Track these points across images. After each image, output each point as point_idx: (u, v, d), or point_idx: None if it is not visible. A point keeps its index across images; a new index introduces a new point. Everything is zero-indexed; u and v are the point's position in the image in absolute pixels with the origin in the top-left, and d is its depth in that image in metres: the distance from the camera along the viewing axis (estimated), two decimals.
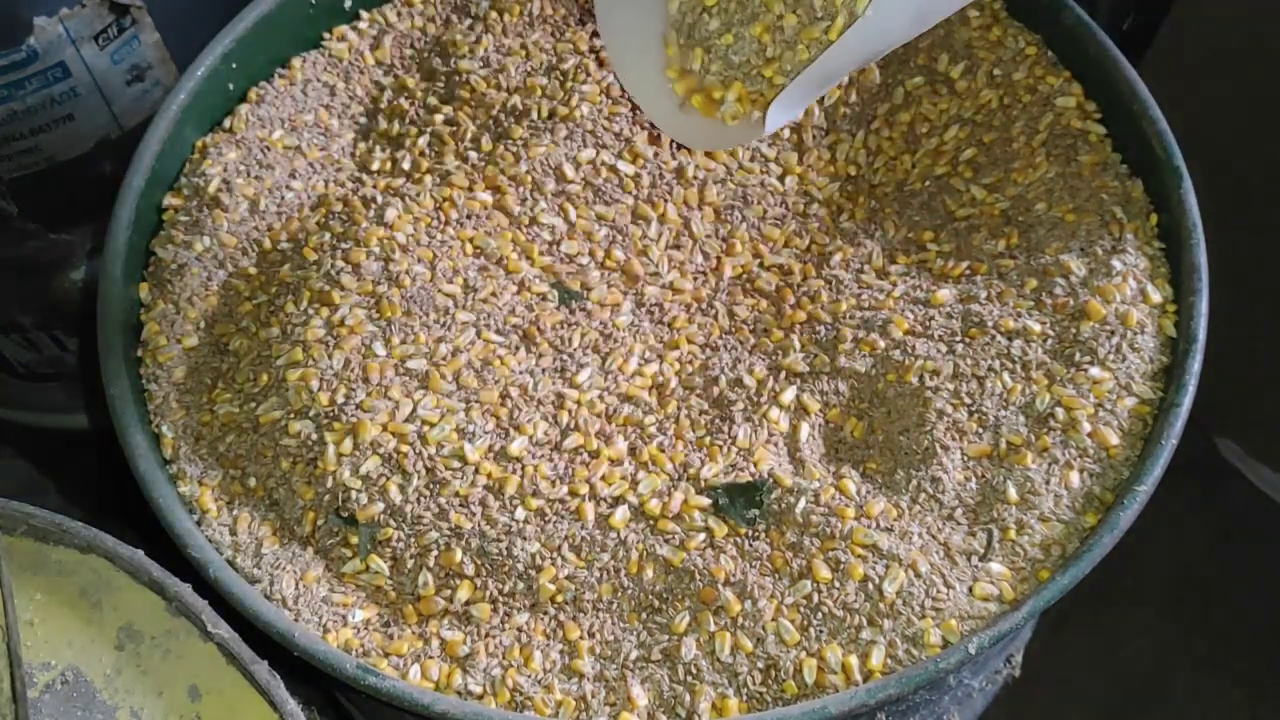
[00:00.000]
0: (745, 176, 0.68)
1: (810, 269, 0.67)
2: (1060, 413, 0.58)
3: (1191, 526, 1.06)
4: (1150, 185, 0.65)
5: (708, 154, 0.67)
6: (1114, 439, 0.58)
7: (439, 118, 0.70)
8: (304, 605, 0.56)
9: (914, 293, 0.64)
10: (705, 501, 0.57)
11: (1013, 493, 0.57)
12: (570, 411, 0.60)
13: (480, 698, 0.54)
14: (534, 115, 0.68)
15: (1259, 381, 1.00)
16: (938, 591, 0.54)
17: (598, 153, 0.67)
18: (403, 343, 0.62)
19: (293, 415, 0.60)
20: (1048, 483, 0.57)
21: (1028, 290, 0.63)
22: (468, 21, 0.75)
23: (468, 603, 0.56)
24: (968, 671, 0.63)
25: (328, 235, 0.65)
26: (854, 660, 0.53)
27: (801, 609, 0.54)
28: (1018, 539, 0.56)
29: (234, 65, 0.72)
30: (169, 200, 0.69)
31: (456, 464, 0.58)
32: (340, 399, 0.59)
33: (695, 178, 0.67)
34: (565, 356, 0.63)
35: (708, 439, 0.60)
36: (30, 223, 0.82)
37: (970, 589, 0.55)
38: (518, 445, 0.58)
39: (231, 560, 0.58)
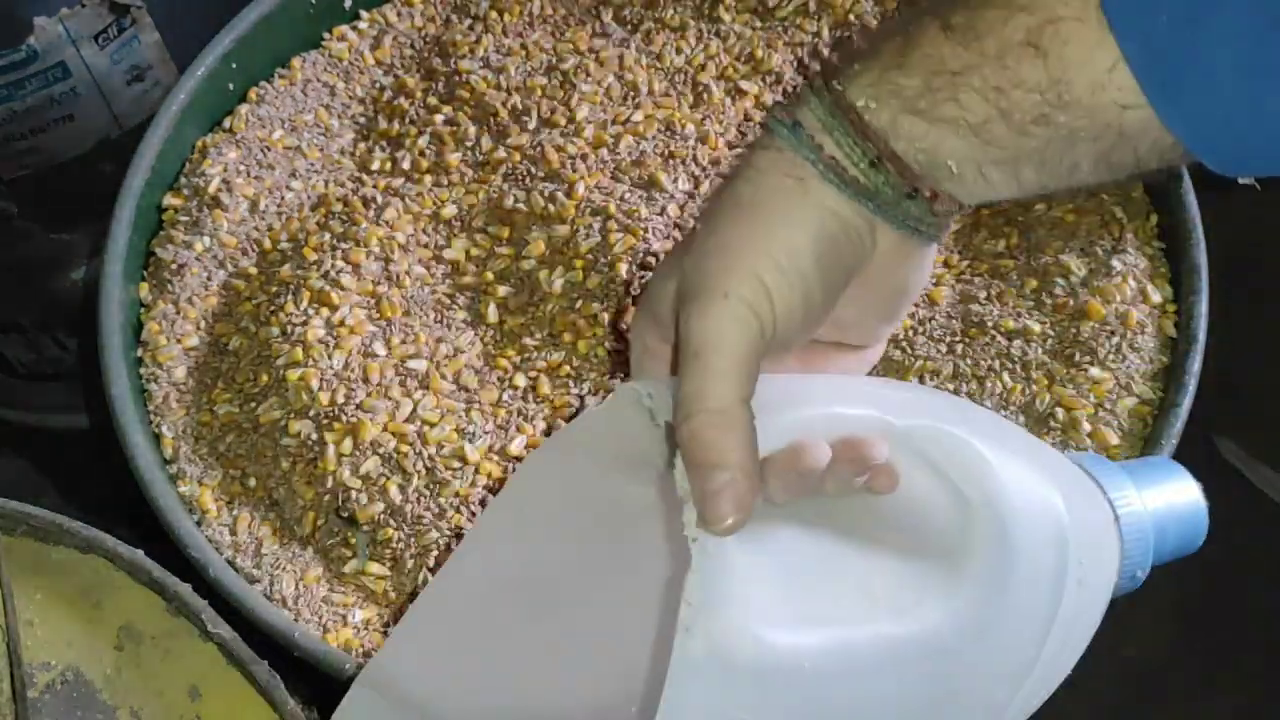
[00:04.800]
0: None
1: None
2: (1060, 413, 0.58)
3: None
4: (1150, 185, 0.65)
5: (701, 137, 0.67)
6: (1114, 439, 0.58)
7: (439, 118, 0.70)
8: (304, 605, 0.56)
9: None
10: None
11: None
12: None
13: None
14: (534, 115, 0.68)
15: (1259, 381, 1.00)
16: None
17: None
18: (403, 343, 0.62)
19: (293, 415, 0.60)
20: None
21: (1028, 290, 0.63)
22: (468, 21, 0.75)
23: None
24: None
25: (328, 235, 0.65)
26: None
27: None
28: None
29: (234, 65, 0.72)
30: (169, 200, 0.69)
31: (457, 464, 0.58)
32: (340, 399, 0.59)
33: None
34: None
35: None
36: (30, 223, 0.82)
37: None
38: (518, 445, 0.58)
39: (231, 560, 0.58)
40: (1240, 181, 0.73)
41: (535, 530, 0.43)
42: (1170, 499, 0.44)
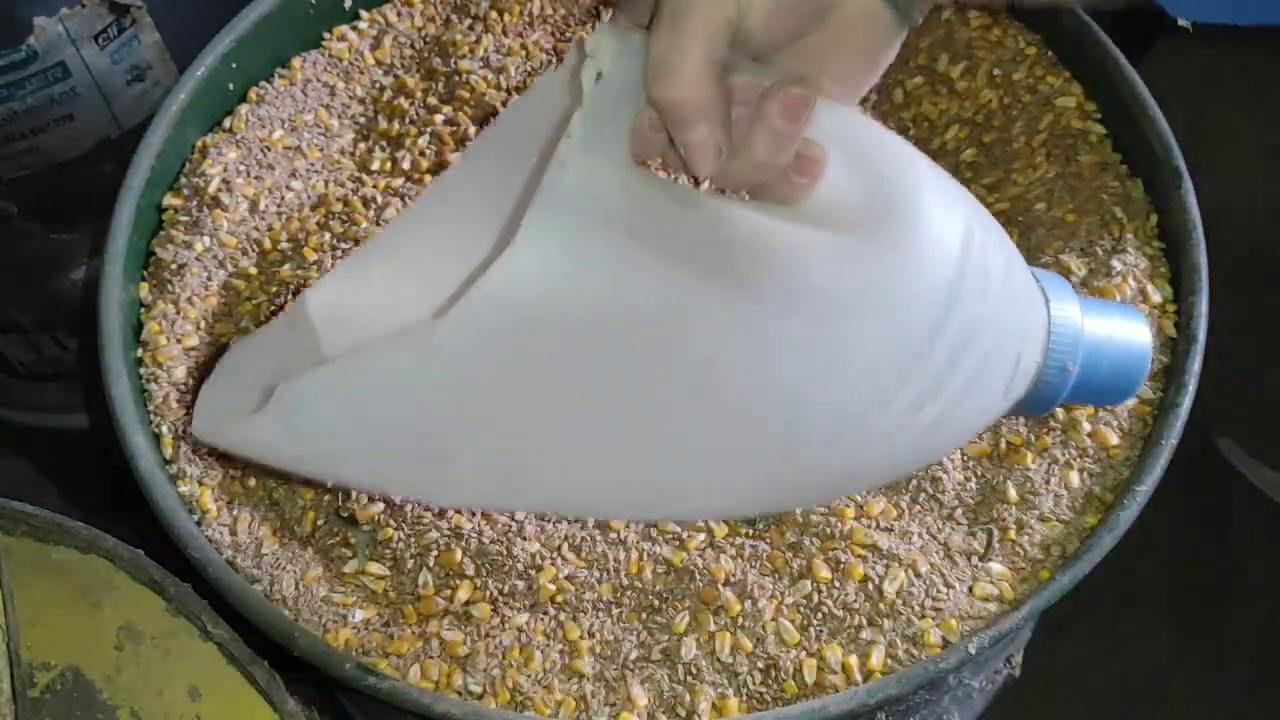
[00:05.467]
0: None
1: None
2: (1060, 412, 0.58)
3: (1191, 527, 1.06)
4: (1150, 185, 0.65)
5: None
6: (1114, 439, 0.58)
7: (439, 118, 0.70)
8: (304, 605, 0.56)
9: None
10: None
11: (1013, 493, 0.57)
12: None
13: (480, 697, 0.54)
14: None
15: (1259, 381, 1.00)
16: (938, 591, 0.54)
17: None
18: None
19: None
20: (1048, 483, 0.57)
21: None
22: (468, 21, 0.75)
23: (468, 603, 0.56)
24: (968, 671, 0.63)
25: (328, 235, 0.65)
26: (854, 660, 0.53)
27: (801, 609, 0.54)
28: (1018, 539, 0.56)
29: (234, 65, 0.72)
30: (169, 200, 0.69)
31: None
32: None
33: None
34: None
35: None
36: (30, 223, 0.82)
37: (970, 589, 0.55)
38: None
39: (231, 560, 0.58)
40: (1180, 22, 0.74)
41: (477, 195, 0.46)
42: (1114, 329, 0.47)
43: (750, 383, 0.39)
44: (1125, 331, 0.48)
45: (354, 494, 0.57)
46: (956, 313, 0.41)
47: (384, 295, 0.47)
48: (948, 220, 0.41)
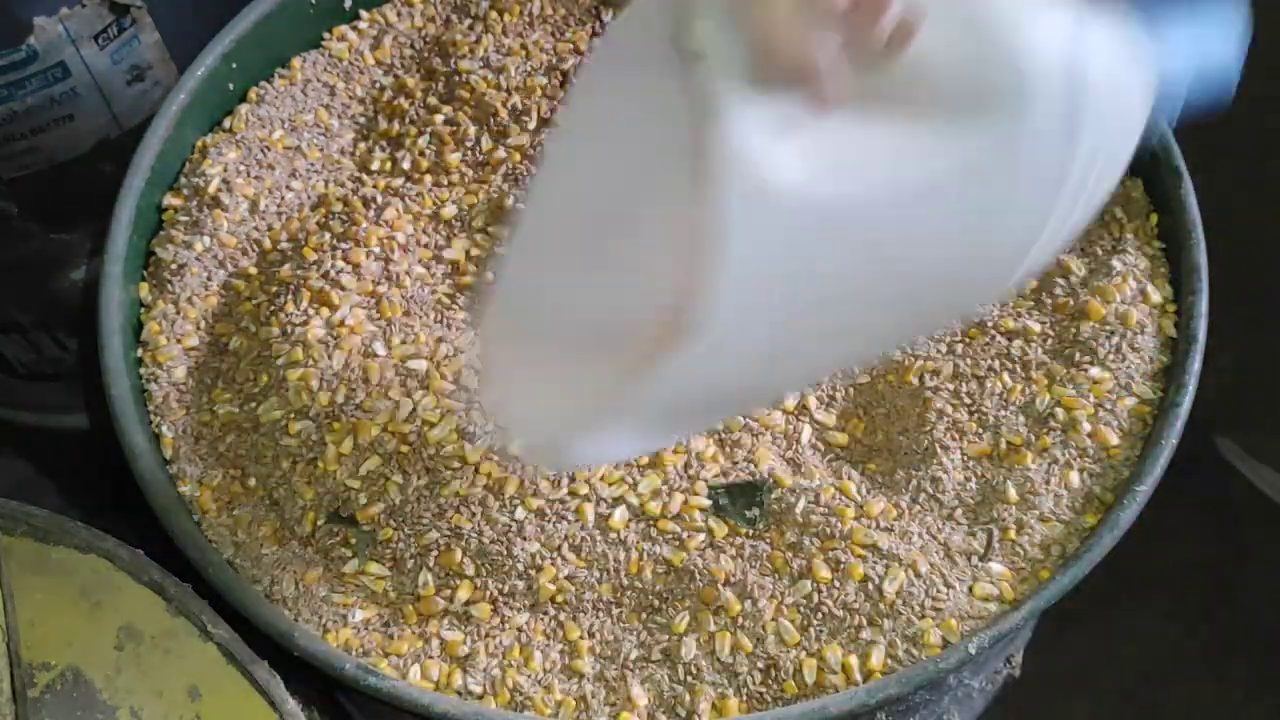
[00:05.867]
0: None
1: None
2: (1060, 413, 0.58)
3: (1191, 526, 1.06)
4: (1150, 185, 0.65)
5: None
6: (1114, 439, 0.58)
7: (439, 118, 0.70)
8: (304, 605, 0.56)
9: None
10: (705, 501, 0.57)
11: (1013, 493, 0.57)
12: None
13: (480, 698, 0.54)
14: (534, 115, 0.68)
15: (1259, 381, 1.00)
16: (938, 591, 0.54)
17: None
18: (403, 343, 0.62)
19: (293, 415, 0.60)
20: (1048, 483, 0.57)
21: (1028, 290, 0.63)
22: (468, 21, 0.75)
23: (468, 603, 0.56)
24: (968, 671, 0.63)
25: (328, 235, 0.65)
26: (854, 660, 0.53)
27: (801, 609, 0.54)
28: (1018, 539, 0.56)
29: (234, 65, 0.72)
30: (169, 200, 0.69)
31: (456, 464, 0.58)
32: (340, 399, 0.59)
33: None
34: None
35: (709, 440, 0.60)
36: (30, 223, 0.82)
37: (970, 589, 0.55)
38: (518, 445, 0.58)
39: (231, 560, 0.58)
40: None
41: (592, 149, 0.46)
42: (1204, 57, 0.48)
43: (918, 254, 0.42)
44: (1217, 52, 0.49)
45: (354, 494, 0.57)
46: (1078, 147, 0.42)
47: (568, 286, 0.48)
48: (1050, 43, 0.41)
